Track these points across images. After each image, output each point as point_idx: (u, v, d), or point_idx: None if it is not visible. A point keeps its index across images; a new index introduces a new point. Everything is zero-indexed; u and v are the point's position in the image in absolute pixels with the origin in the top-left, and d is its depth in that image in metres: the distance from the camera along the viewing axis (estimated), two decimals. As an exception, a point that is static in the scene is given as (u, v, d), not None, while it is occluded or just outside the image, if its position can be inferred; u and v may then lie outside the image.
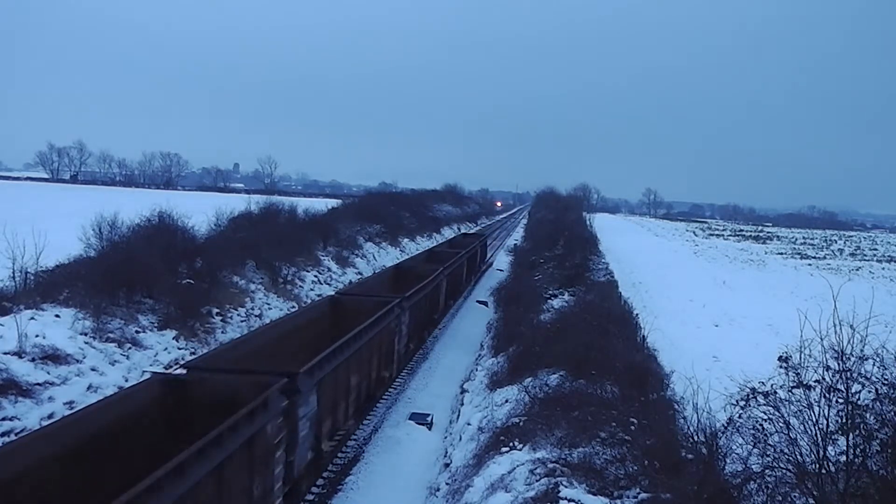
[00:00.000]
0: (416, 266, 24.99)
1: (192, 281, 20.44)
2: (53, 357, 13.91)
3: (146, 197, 43.80)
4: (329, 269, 31.80)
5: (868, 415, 7.30)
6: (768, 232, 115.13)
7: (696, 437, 8.70)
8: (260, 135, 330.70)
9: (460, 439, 12.98)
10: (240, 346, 11.38)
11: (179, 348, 17.40)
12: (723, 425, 8.49)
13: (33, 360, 13.53)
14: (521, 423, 11.31)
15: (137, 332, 16.88)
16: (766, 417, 8.03)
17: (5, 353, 13.21)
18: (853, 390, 7.40)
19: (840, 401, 7.42)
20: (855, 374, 7.45)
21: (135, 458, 7.67)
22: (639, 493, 8.33)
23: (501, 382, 14.74)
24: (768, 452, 7.75)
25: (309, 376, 9.52)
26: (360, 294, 17.53)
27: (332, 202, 53.89)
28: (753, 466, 7.83)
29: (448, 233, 66.84)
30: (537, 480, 8.97)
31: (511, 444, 10.62)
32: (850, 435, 7.18)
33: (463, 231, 75.22)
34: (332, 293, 18.59)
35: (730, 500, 7.60)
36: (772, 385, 8.39)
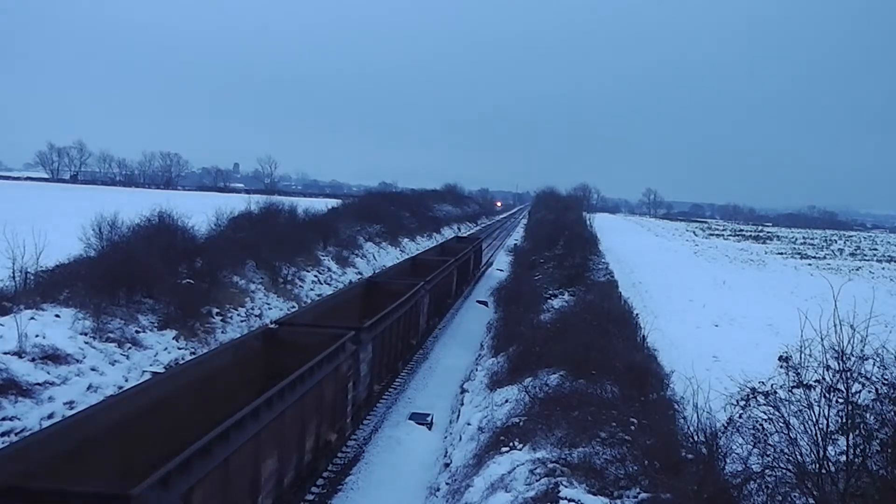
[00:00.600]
0: (394, 279, 21.22)
1: (192, 281, 20.45)
2: (53, 357, 13.91)
3: (146, 197, 43.87)
4: (329, 269, 31.82)
5: (868, 415, 7.30)
6: (768, 232, 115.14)
7: (696, 437, 8.70)
8: (260, 135, 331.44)
9: (460, 439, 12.98)
10: (107, 414, 7.58)
11: (179, 348, 17.40)
12: (723, 425, 8.50)
13: (33, 359, 13.53)
14: (521, 423, 11.31)
15: (137, 331, 16.88)
16: (766, 417, 8.03)
17: (5, 353, 13.21)
18: (853, 390, 7.40)
19: (840, 401, 7.42)
20: (855, 374, 7.45)
21: None
22: (639, 493, 8.33)
23: (501, 382, 14.73)
24: (768, 452, 7.75)
25: (162, 492, 5.91)
26: (307, 325, 13.26)
27: (332, 202, 53.90)
28: (753, 466, 7.83)
29: (448, 232, 66.89)
30: (537, 480, 8.97)
31: (511, 443, 10.62)
32: (851, 435, 7.18)
33: (461, 231, 75.23)
34: (269, 323, 14.47)
35: (730, 500, 7.59)
36: (772, 385, 8.39)
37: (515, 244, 50.51)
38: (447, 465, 12.18)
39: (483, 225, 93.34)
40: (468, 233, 66.04)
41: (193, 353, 16.89)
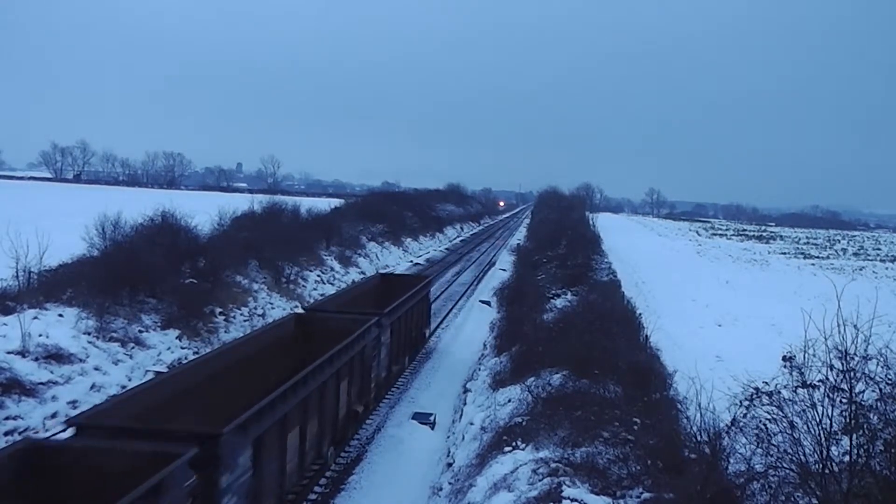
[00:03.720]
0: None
1: (195, 280, 20.47)
2: (57, 356, 13.94)
3: (149, 196, 43.76)
4: (332, 269, 31.87)
5: (872, 414, 7.28)
6: (771, 231, 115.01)
7: (699, 437, 8.68)
8: (263, 134, 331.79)
9: (463, 439, 12.98)
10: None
11: (182, 348, 17.43)
12: (726, 425, 8.48)
13: (36, 359, 13.56)
14: (523, 423, 11.31)
15: (140, 331, 16.91)
16: (769, 417, 8.01)
17: (9, 353, 13.24)
18: (857, 390, 7.37)
19: (844, 400, 7.39)
20: (859, 374, 7.43)
21: None
22: (642, 493, 8.32)
23: (504, 382, 14.72)
24: (772, 452, 7.74)
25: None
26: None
27: (335, 202, 53.90)
28: (757, 466, 7.82)
29: (451, 232, 66.80)
30: (540, 480, 8.97)
31: (514, 443, 10.61)
32: (854, 435, 7.16)
33: (462, 231, 74.58)
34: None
35: (733, 500, 7.58)
36: (775, 385, 8.37)
37: (518, 244, 50.51)
38: (450, 464, 12.17)
39: (486, 224, 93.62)
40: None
41: (196, 353, 16.90)
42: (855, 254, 67.46)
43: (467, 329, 24.29)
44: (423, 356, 20.05)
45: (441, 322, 24.96)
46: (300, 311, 14.64)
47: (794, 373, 8.31)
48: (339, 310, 14.94)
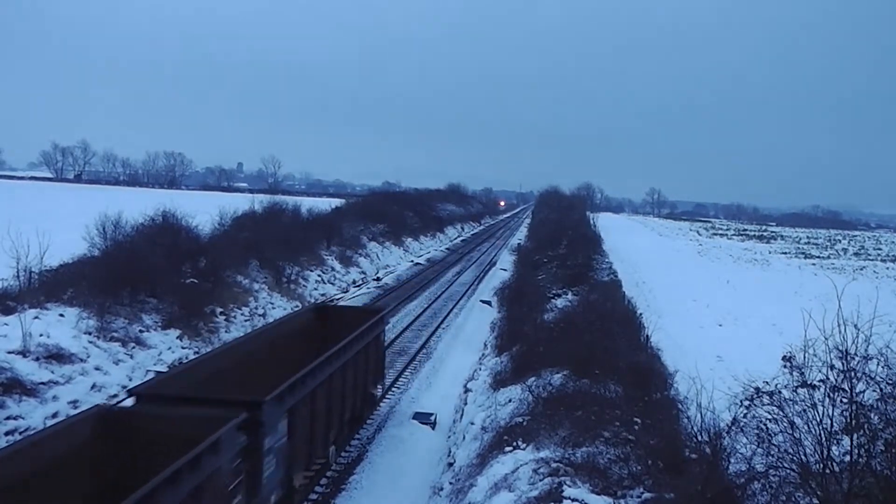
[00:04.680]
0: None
1: (195, 280, 20.48)
2: (57, 356, 13.95)
3: (150, 196, 43.84)
4: (333, 269, 31.89)
5: (872, 414, 7.27)
6: (772, 231, 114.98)
7: (699, 437, 8.68)
8: (264, 134, 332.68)
9: (464, 439, 12.97)
10: None
11: (183, 348, 17.44)
12: (727, 425, 8.47)
13: (37, 359, 13.57)
14: (524, 423, 11.30)
15: (141, 331, 16.91)
16: (770, 417, 8.00)
17: (10, 353, 13.25)
18: (857, 390, 7.36)
19: (844, 400, 7.39)
20: (859, 374, 7.42)
21: None
22: (642, 493, 8.32)
23: (505, 382, 14.72)
24: (772, 452, 7.73)
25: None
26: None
27: (336, 202, 53.91)
28: (757, 466, 7.81)
29: (452, 232, 66.76)
30: (541, 480, 8.97)
31: (514, 443, 10.61)
32: (855, 435, 7.15)
33: (463, 231, 74.47)
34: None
35: (733, 500, 7.58)
36: (776, 385, 8.36)
37: (519, 243, 50.52)
38: (451, 464, 12.18)
39: (486, 224, 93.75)
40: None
41: (197, 353, 16.90)
42: (856, 254, 67.43)
43: (468, 329, 24.31)
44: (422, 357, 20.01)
45: (442, 322, 24.97)
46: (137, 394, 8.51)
47: (794, 373, 8.30)
48: (212, 386, 9.41)
